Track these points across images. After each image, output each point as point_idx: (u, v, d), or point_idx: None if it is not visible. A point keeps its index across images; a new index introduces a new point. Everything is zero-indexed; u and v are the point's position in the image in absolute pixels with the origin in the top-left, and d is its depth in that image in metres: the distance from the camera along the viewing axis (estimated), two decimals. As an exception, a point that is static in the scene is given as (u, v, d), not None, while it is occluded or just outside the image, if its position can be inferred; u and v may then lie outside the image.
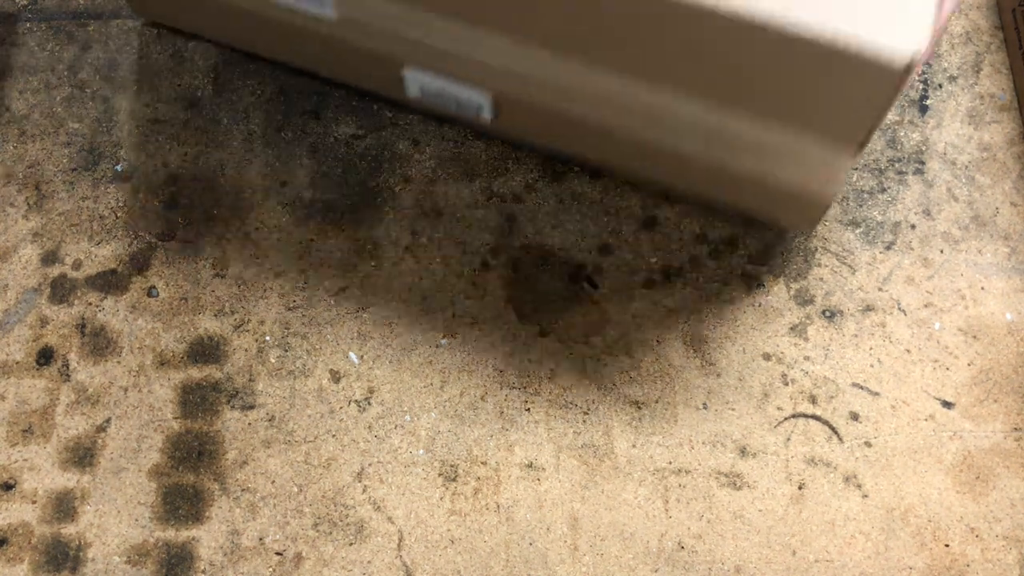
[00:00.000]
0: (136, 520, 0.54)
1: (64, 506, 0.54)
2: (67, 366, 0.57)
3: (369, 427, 0.57)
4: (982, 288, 0.62)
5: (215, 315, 0.59)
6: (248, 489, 0.55)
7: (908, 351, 0.60)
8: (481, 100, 0.54)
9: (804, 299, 0.61)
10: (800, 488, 0.57)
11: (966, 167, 0.64)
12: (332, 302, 0.59)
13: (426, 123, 0.64)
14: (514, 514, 0.56)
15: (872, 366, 0.60)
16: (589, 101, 0.52)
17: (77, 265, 0.59)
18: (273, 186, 0.62)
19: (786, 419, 0.58)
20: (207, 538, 0.54)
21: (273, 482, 0.55)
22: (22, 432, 0.56)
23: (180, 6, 0.60)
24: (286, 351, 0.58)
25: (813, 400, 0.59)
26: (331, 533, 0.55)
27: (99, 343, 0.58)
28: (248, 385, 0.57)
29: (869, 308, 0.61)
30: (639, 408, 0.58)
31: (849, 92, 0.42)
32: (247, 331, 0.58)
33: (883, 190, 0.63)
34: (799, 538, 0.56)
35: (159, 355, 0.57)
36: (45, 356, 0.57)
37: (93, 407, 0.56)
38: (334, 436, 0.56)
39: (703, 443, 0.57)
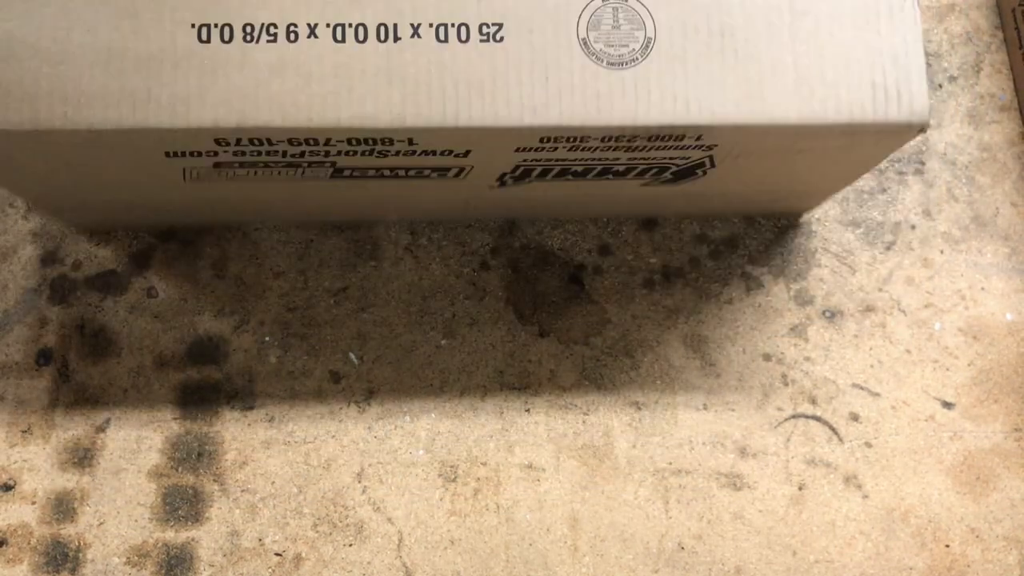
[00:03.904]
0: (136, 520, 0.54)
1: (64, 506, 0.54)
2: (67, 366, 0.57)
3: (369, 427, 0.57)
4: (982, 288, 0.62)
5: (215, 315, 0.58)
6: (248, 489, 0.55)
7: (908, 351, 0.60)
8: None
9: (804, 299, 0.61)
10: (800, 489, 0.57)
11: (966, 167, 0.64)
12: (332, 302, 0.59)
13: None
14: (514, 515, 0.56)
15: (872, 366, 0.60)
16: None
17: (77, 265, 0.59)
18: (273, 186, 0.62)
19: (786, 419, 0.58)
20: (207, 538, 0.54)
21: (273, 482, 0.55)
22: (22, 432, 0.56)
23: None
24: (286, 351, 0.58)
25: (813, 401, 0.59)
26: (331, 534, 0.54)
27: (99, 343, 0.57)
28: (248, 385, 0.57)
29: (869, 308, 0.61)
30: (639, 408, 0.58)
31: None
32: (247, 331, 0.58)
33: (883, 190, 0.63)
34: (799, 539, 0.56)
35: (159, 355, 0.57)
36: (45, 356, 0.57)
37: (93, 407, 0.56)
38: (334, 436, 0.56)
39: (703, 443, 0.57)
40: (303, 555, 0.54)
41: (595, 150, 0.45)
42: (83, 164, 0.45)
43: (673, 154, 0.46)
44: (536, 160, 0.47)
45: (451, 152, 0.45)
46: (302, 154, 0.44)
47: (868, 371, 0.59)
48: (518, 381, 0.58)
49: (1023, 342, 0.61)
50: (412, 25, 0.42)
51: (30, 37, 0.40)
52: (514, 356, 0.59)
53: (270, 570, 0.54)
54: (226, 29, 0.41)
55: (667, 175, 0.50)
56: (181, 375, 0.57)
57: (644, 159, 0.47)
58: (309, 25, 0.41)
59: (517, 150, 0.45)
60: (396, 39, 0.42)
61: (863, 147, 0.47)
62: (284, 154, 0.44)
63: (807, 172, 0.52)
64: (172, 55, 0.41)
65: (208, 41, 0.41)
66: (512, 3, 0.42)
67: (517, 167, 0.48)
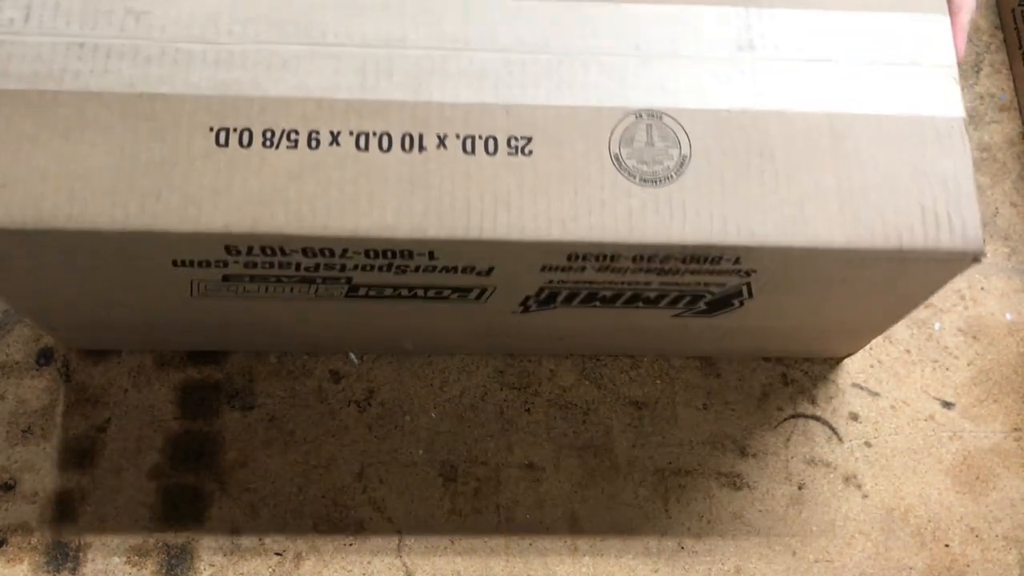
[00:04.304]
0: (136, 520, 0.54)
1: (64, 506, 0.54)
2: (67, 366, 0.57)
3: (369, 427, 0.57)
4: (982, 288, 0.62)
5: (215, 315, 0.59)
6: (248, 489, 0.55)
7: (908, 351, 0.60)
8: None
9: (804, 299, 0.61)
10: (800, 488, 0.57)
11: (966, 167, 0.64)
12: (332, 302, 0.59)
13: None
14: (514, 514, 0.56)
15: (872, 366, 0.60)
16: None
17: (77, 265, 0.59)
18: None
19: (786, 419, 0.58)
20: (207, 538, 0.54)
21: (273, 482, 0.55)
22: (22, 432, 0.56)
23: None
24: (286, 352, 0.58)
25: (813, 400, 0.59)
26: (331, 533, 0.55)
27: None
28: (248, 385, 0.57)
29: (869, 308, 0.61)
30: (639, 408, 0.58)
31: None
32: (247, 331, 0.58)
33: (883, 190, 0.63)
34: (799, 538, 0.56)
35: (159, 355, 0.57)
36: (45, 356, 0.57)
37: (93, 407, 0.56)
38: (334, 436, 0.56)
39: (703, 443, 0.57)
40: (303, 555, 0.54)
41: (626, 271, 0.43)
42: (85, 271, 0.44)
43: (709, 280, 0.44)
44: (563, 282, 0.45)
45: (474, 269, 0.43)
46: (316, 267, 0.43)
47: (868, 371, 0.60)
48: (518, 381, 0.58)
49: (1023, 342, 0.61)
50: (438, 136, 0.40)
51: (41, 135, 0.39)
52: (514, 356, 0.59)
53: (270, 570, 0.54)
54: (245, 134, 0.40)
55: (701, 305, 0.48)
56: (181, 375, 0.57)
57: (677, 284, 0.45)
58: (332, 132, 0.40)
59: (543, 269, 0.43)
60: (421, 149, 0.40)
61: (910, 277, 0.45)
62: (298, 267, 0.43)
63: (850, 307, 0.49)
64: (187, 157, 0.39)
65: (226, 144, 0.40)
66: (542, 117, 0.41)
67: (542, 289, 0.46)
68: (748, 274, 0.43)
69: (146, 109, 0.40)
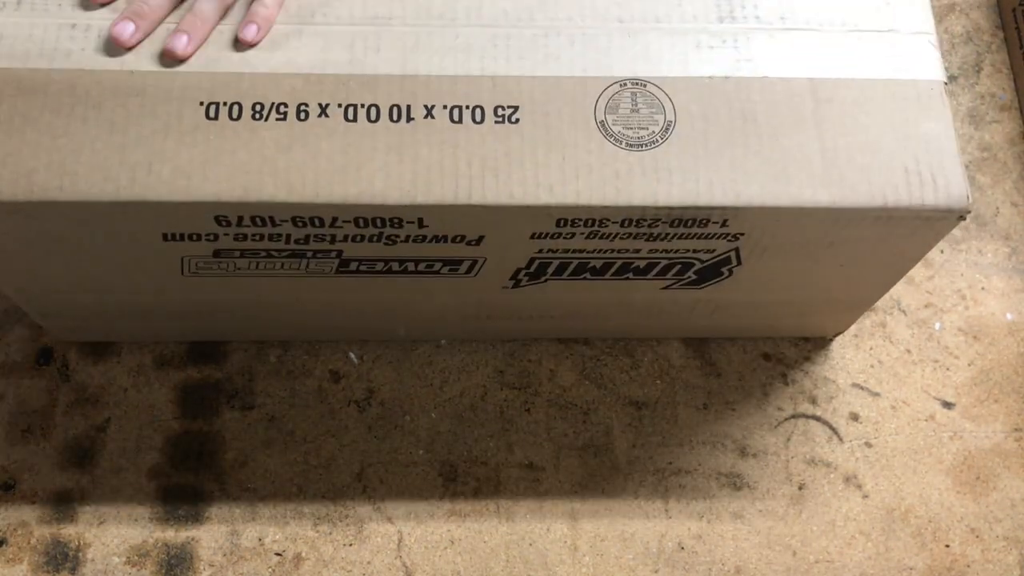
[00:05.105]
0: (136, 520, 0.54)
1: (64, 506, 0.54)
2: (67, 366, 0.57)
3: (369, 427, 0.57)
4: (982, 288, 0.62)
5: (215, 315, 0.58)
6: (248, 489, 0.55)
7: (908, 351, 0.60)
8: None
9: (804, 299, 0.61)
10: (800, 488, 0.57)
11: (966, 167, 0.64)
12: (332, 302, 0.59)
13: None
14: (514, 514, 0.56)
15: (872, 366, 0.60)
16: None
17: (77, 265, 0.59)
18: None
19: (786, 419, 0.58)
20: (207, 538, 0.54)
21: (273, 482, 0.55)
22: (22, 432, 0.56)
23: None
24: (286, 351, 0.58)
25: (813, 400, 0.59)
26: (331, 533, 0.54)
27: (99, 343, 0.57)
28: (248, 385, 0.57)
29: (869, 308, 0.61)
30: (639, 408, 0.58)
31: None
32: (247, 331, 0.58)
33: (883, 190, 0.63)
34: (799, 538, 0.56)
35: (159, 355, 0.57)
36: (45, 356, 0.57)
37: (93, 407, 0.56)
38: (334, 436, 0.56)
39: (703, 443, 0.57)
40: (303, 555, 0.54)
41: (615, 237, 0.43)
42: (76, 248, 0.44)
43: (697, 245, 0.45)
44: (552, 251, 0.45)
45: (463, 239, 0.44)
46: (307, 239, 0.43)
47: (868, 371, 0.59)
48: (518, 381, 0.58)
49: (1023, 342, 0.61)
50: (426, 106, 0.41)
51: (32, 111, 0.39)
52: (514, 356, 0.59)
53: (270, 570, 0.54)
54: (235, 107, 0.40)
55: (691, 275, 0.48)
56: (181, 375, 0.57)
57: (666, 251, 0.45)
58: (320, 105, 0.41)
59: (533, 236, 0.43)
60: (409, 119, 0.41)
61: (897, 238, 0.45)
62: (288, 238, 0.43)
63: (838, 275, 0.50)
64: (177, 130, 0.40)
65: (216, 118, 0.40)
66: (528, 86, 0.42)
67: (533, 260, 0.46)
68: (736, 238, 0.44)
69: (136, 85, 0.41)
